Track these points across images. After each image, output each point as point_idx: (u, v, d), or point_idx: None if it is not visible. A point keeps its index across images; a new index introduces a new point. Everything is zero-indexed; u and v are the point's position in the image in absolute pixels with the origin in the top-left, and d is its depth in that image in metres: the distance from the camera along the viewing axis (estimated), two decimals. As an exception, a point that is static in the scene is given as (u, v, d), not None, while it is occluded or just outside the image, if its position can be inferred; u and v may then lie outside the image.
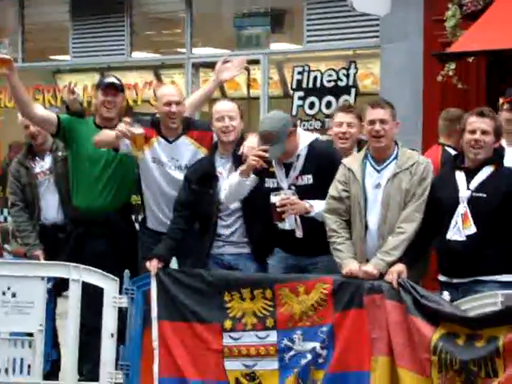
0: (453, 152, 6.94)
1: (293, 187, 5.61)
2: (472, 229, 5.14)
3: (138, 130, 5.99)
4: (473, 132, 5.23)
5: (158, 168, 6.15)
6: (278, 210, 5.53)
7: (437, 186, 5.35)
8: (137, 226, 6.69)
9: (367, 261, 5.37)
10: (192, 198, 5.91)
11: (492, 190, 5.17)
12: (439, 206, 5.28)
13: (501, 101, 5.80)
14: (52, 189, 6.83)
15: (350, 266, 5.30)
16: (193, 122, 6.30)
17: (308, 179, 5.62)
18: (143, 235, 6.38)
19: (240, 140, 5.92)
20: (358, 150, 5.89)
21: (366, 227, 5.40)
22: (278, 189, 5.62)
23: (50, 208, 6.83)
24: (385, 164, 5.43)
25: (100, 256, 6.25)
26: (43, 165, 6.88)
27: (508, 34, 7.33)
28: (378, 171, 5.43)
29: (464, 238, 5.15)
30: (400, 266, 5.21)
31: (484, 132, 5.21)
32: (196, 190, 5.91)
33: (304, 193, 5.57)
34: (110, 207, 6.45)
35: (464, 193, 5.21)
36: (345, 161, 5.53)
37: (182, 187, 5.99)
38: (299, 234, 5.61)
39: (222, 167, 5.92)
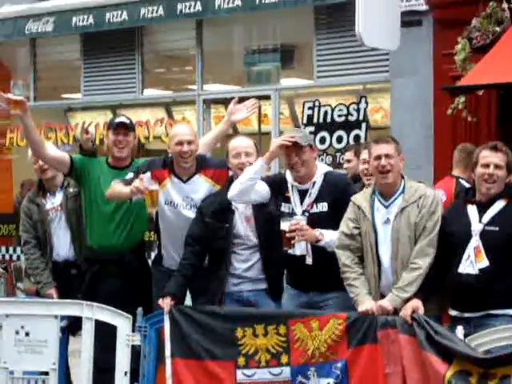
0: (466, 185, 6.98)
1: (306, 214, 5.62)
2: (485, 262, 5.13)
3: (154, 186, 5.96)
4: (486, 166, 5.23)
5: (171, 209, 6.15)
6: (288, 235, 5.53)
7: (448, 219, 5.34)
8: (149, 262, 6.69)
9: (382, 297, 5.35)
10: (205, 231, 5.90)
11: (504, 223, 5.17)
12: (451, 239, 5.27)
13: None
14: (63, 225, 6.85)
15: (366, 303, 5.28)
16: (207, 160, 6.28)
17: (323, 207, 5.64)
18: (157, 273, 6.36)
19: None
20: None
21: (379, 263, 5.39)
22: (291, 214, 5.62)
23: (62, 244, 6.84)
24: (392, 199, 5.43)
25: (114, 295, 6.25)
26: (54, 201, 6.89)
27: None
28: (386, 207, 5.44)
29: (477, 272, 5.13)
30: (415, 302, 5.19)
31: (497, 166, 5.22)
32: (210, 223, 5.89)
33: (318, 220, 5.58)
34: (124, 246, 6.46)
35: (476, 226, 5.21)
36: (353, 198, 5.54)
37: (194, 221, 5.98)
38: (309, 260, 5.59)
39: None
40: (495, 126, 8.61)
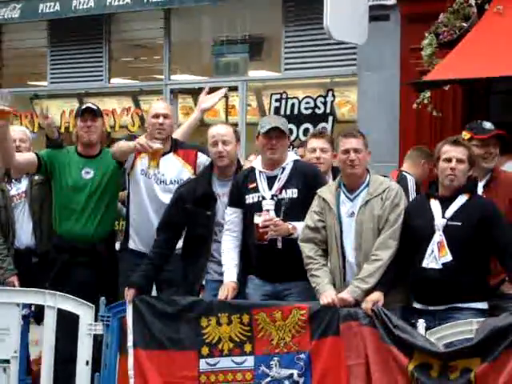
0: (408, 176, 7.23)
1: (275, 198, 5.62)
2: (448, 257, 5.17)
3: (157, 145, 6.11)
4: (448, 160, 5.27)
5: (145, 180, 6.26)
6: (261, 230, 5.54)
7: (411, 213, 5.37)
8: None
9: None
10: (184, 218, 5.89)
11: (467, 218, 5.21)
12: (414, 234, 5.30)
13: (467, 135, 5.83)
14: (27, 213, 6.80)
15: (327, 293, 5.31)
16: (180, 142, 6.44)
17: (293, 193, 5.63)
18: (123, 260, 6.37)
19: (238, 163, 5.97)
20: (333, 177, 6.00)
21: (344, 256, 5.42)
22: (259, 203, 5.61)
23: (25, 232, 6.80)
24: (357, 192, 5.46)
25: (84, 284, 6.26)
26: (20, 187, 6.86)
27: (483, 63, 7.43)
28: (351, 200, 5.46)
29: (440, 266, 5.17)
30: (376, 295, 5.22)
31: (459, 160, 5.26)
32: (190, 209, 5.87)
33: (287, 206, 5.59)
34: (94, 235, 6.45)
35: (439, 221, 5.24)
36: (319, 191, 5.55)
37: (169, 206, 5.96)
38: (279, 244, 5.58)
39: (221, 189, 5.90)
40: (460, 121, 8.66)
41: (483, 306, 5.20)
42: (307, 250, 5.46)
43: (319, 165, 6.10)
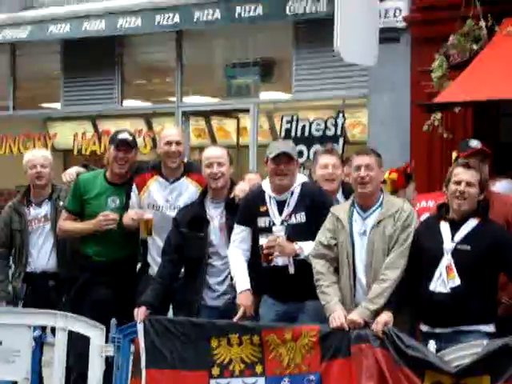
0: None
1: (285, 223, 5.65)
2: (456, 281, 5.12)
3: (148, 215, 6.16)
4: (458, 183, 5.26)
5: (155, 213, 6.25)
6: (265, 251, 5.57)
7: (421, 234, 5.37)
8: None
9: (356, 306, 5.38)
10: (181, 241, 5.95)
11: (476, 242, 5.17)
12: (422, 256, 5.29)
13: (454, 155, 5.83)
14: (45, 236, 6.84)
15: (336, 313, 5.30)
16: (193, 165, 6.45)
17: (301, 217, 5.67)
18: (141, 283, 6.37)
19: (231, 185, 6.02)
20: (343, 192, 6.06)
21: (355, 275, 5.42)
22: (269, 228, 5.64)
23: (42, 256, 6.83)
24: (370, 211, 5.46)
25: (103, 303, 6.31)
26: (40, 212, 6.88)
27: (493, 85, 7.45)
28: (364, 218, 5.46)
29: (448, 291, 5.13)
30: (386, 316, 5.21)
31: (468, 184, 5.23)
32: (185, 233, 5.95)
33: (297, 231, 5.62)
34: (120, 256, 6.49)
35: (448, 244, 5.21)
36: (332, 209, 5.58)
37: (170, 230, 6.05)
38: (291, 270, 5.60)
39: (214, 211, 5.98)
40: (471, 143, 8.67)
41: (490, 328, 5.16)
42: (319, 266, 5.47)
43: (330, 181, 6.11)
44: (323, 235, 5.52)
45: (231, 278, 5.86)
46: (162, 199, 6.28)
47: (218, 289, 5.94)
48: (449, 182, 5.33)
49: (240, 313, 5.62)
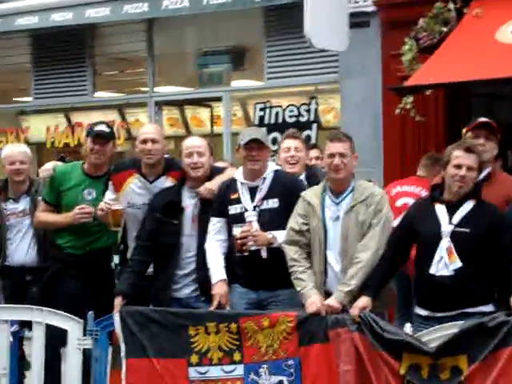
0: None
1: (257, 209, 5.66)
2: (458, 263, 5.07)
3: (117, 206, 6.11)
4: (458, 167, 5.16)
5: (134, 211, 6.20)
6: (239, 241, 5.58)
7: (415, 218, 5.30)
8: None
9: (327, 294, 5.39)
10: (155, 226, 5.94)
11: (475, 224, 5.11)
12: (419, 239, 5.25)
13: (464, 130, 5.78)
14: (24, 231, 6.83)
15: (313, 298, 5.31)
16: (174, 162, 6.33)
17: (274, 203, 5.68)
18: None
19: (210, 175, 5.99)
20: (307, 176, 6.09)
21: (326, 260, 5.43)
22: (242, 214, 5.66)
23: (20, 250, 6.82)
24: (342, 196, 5.47)
25: (75, 297, 6.28)
26: (17, 207, 6.87)
27: (463, 67, 7.47)
28: (336, 204, 5.47)
29: (452, 273, 5.07)
30: (364, 301, 5.22)
31: (470, 168, 5.17)
32: (159, 218, 5.93)
33: (269, 217, 5.63)
34: (92, 249, 6.46)
35: (446, 227, 5.13)
36: (303, 194, 5.58)
37: (145, 216, 6.05)
38: (264, 254, 5.62)
39: (189, 200, 5.96)
40: (443, 125, 8.72)
41: (491, 308, 5.12)
42: (292, 252, 5.48)
43: (293, 165, 6.17)
44: (294, 221, 5.52)
45: (197, 272, 5.87)
46: (141, 199, 6.19)
47: (182, 281, 5.92)
48: (447, 164, 5.22)
49: (215, 302, 5.64)
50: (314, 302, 5.30)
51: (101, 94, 11.91)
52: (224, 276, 5.72)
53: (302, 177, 6.22)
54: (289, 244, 5.51)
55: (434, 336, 5.07)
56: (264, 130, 6.22)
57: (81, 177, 6.50)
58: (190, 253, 5.92)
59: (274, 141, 10.05)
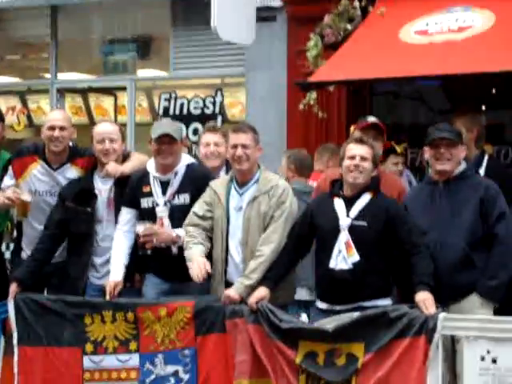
0: None
1: (168, 204, 5.64)
2: (356, 257, 5.15)
3: (25, 196, 5.96)
4: (352, 158, 5.27)
5: (34, 198, 6.07)
6: (141, 240, 5.55)
7: (314, 212, 5.38)
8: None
9: (227, 284, 5.41)
10: (65, 216, 5.86)
11: (372, 218, 5.20)
12: (318, 232, 5.32)
13: (352, 128, 5.94)
14: None
15: (197, 260, 5.29)
16: (78, 149, 6.25)
17: (185, 199, 5.67)
18: (16, 266, 6.20)
19: (123, 161, 5.95)
20: (227, 169, 6.08)
21: (227, 249, 5.45)
22: (153, 208, 5.64)
23: None
24: (247, 187, 5.51)
25: None
26: None
27: (366, 65, 7.57)
28: (240, 194, 5.51)
29: (350, 267, 5.14)
30: (261, 292, 5.26)
31: (363, 158, 5.27)
32: (71, 207, 5.86)
33: (181, 212, 5.61)
34: None
35: (344, 221, 5.22)
36: (212, 183, 5.60)
37: (55, 205, 5.96)
38: (175, 250, 5.62)
39: (103, 185, 5.90)
40: (345, 121, 8.82)
41: (387, 302, 5.21)
42: (192, 229, 5.47)
43: (214, 159, 6.15)
44: (199, 206, 5.53)
45: None
46: (44, 186, 6.09)
47: (101, 270, 5.88)
48: (343, 159, 5.32)
49: (108, 291, 5.60)
50: (197, 263, 5.27)
51: (1, 79, 11.64)
52: (119, 278, 5.67)
53: (223, 171, 6.19)
54: (190, 225, 5.50)
55: (334, 324, 5.10)
56: (179, 123, 6.12)
57: None
58: (108, 238, 5.84)
59: (196, 131, 10.04)
